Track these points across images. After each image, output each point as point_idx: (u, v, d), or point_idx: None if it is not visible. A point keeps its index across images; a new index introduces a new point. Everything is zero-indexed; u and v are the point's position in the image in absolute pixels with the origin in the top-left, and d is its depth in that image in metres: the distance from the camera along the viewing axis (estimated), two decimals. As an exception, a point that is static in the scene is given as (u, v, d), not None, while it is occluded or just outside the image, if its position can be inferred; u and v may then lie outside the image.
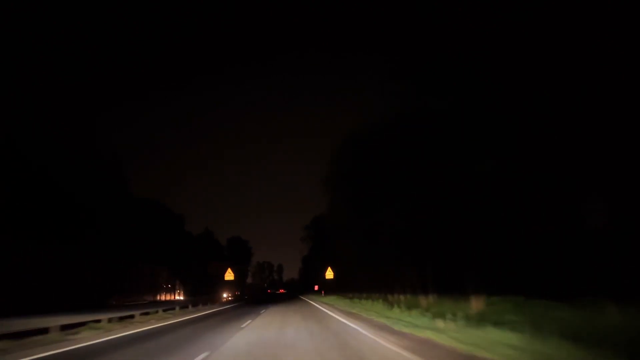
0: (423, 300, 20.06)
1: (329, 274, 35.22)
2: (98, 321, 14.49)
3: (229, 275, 36.59)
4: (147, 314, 19.61)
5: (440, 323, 10.90)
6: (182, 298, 54.81)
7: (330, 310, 21.00)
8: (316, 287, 53.47)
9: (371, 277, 29.11)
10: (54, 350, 8.99)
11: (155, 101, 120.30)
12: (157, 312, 20.79)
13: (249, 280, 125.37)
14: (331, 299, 32.07)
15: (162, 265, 53.62)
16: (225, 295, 45.86)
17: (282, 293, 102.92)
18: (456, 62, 15.24)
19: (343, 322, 14.56)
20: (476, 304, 15.83)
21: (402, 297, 24.65)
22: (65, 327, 12.04)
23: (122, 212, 39.52)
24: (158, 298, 52.33)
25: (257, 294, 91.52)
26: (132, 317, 17.63)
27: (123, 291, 41.05)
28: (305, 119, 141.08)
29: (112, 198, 36.55)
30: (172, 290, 57.50)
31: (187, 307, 27.26)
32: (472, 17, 15.00)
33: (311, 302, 31.62)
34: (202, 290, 63.11)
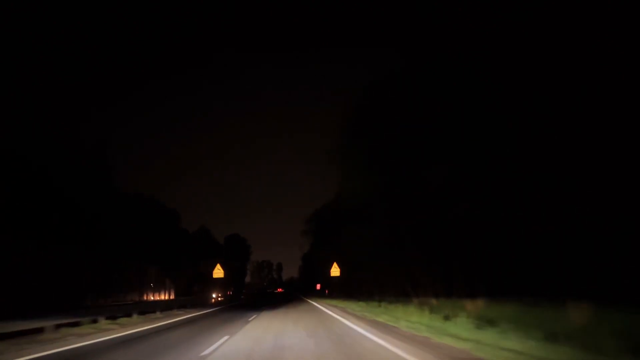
0: (469, 305, 13.88)
1: (335, 270, 28.85)
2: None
3: (218, 272, 30.22)
4: (76, 324, 13.21)
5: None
6: (171, 298, 48.45)
7: (347, 319, 14.50)
8: (318, 286, 47.05)
9: (389, 273, 22.84)
10: None
11: (152, 101, 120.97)
12: (95, 321, 14.38)
13: (248, 279, 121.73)
14: (339, 301, 25.51)
15: (152, 263, 47.50)
16: (214, 295, 39.28)
17: (280, 292, 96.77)
18: (457, 60, 14.12)
19: (387, 349, 8.15)
20: (581, 315, 9.55)
21: (434, 300, 18.53)
22: None
23: (106, 205, 34.36)
24: (145, 298, 45.98)
25: (254, 294, 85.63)
26: (40, 331, 11.25)
27: (103, 290, 34.96)
28: (305, 117, 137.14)
29: (95, 190, 32.19)
30: (161, 290, 51.14)
31: (154, 312, 20.90)
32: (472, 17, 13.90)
33: (315, 304, 25.38)
34: (195, 290, 58.10)
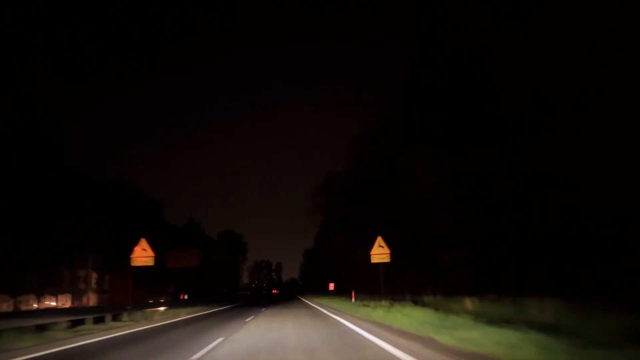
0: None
1: (380, 253, 14.87)
2: None
3: (141, 257, 16.20)
4: None
5: None
6: (90, 305, 33.98)
7: None
8: (332, 286, 33.47)
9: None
10: None
11: (152, 100, 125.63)
12: None
13: (247, 280, 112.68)
14: (415, 317, 9.63)
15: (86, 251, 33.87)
16: (154, 301, 23.36)
17: (275, 294, 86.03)
18: (458, 59, 13.64)
19: None
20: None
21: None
22: None
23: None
24: (77, 303, 31.97)
25: (247, 296, 73.21)
26: None
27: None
28: (304, 115, 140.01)
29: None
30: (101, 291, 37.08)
31: None
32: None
33: (348, 323, 11.76)
34: (169, 291, 46.38)
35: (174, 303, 24.68)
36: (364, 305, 16.37)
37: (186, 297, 31.74)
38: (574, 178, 10.59)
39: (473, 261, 13.77)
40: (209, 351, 7.22)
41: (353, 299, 21.07)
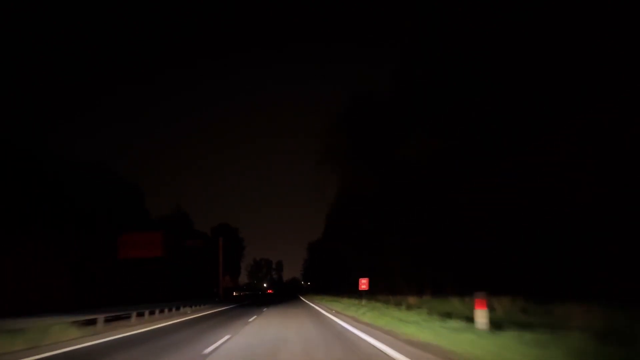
0: None
1: None
2: None
3: None
4: None
5: None
6: None
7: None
8: (364, 283, 19.58)
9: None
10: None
11: (150, 99, 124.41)
12: None
13: (246, 279, 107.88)
14: None
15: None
16: None
17: (270, 294, 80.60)
18: (455, 59, 14.36)
19: None
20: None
21: None
22: None
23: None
24: None
25: (240, 297, 60.82)
26: None
27: None
28: (304, 115, 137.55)
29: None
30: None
31: None
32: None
33: None
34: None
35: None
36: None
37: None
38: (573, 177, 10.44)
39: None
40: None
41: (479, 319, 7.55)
